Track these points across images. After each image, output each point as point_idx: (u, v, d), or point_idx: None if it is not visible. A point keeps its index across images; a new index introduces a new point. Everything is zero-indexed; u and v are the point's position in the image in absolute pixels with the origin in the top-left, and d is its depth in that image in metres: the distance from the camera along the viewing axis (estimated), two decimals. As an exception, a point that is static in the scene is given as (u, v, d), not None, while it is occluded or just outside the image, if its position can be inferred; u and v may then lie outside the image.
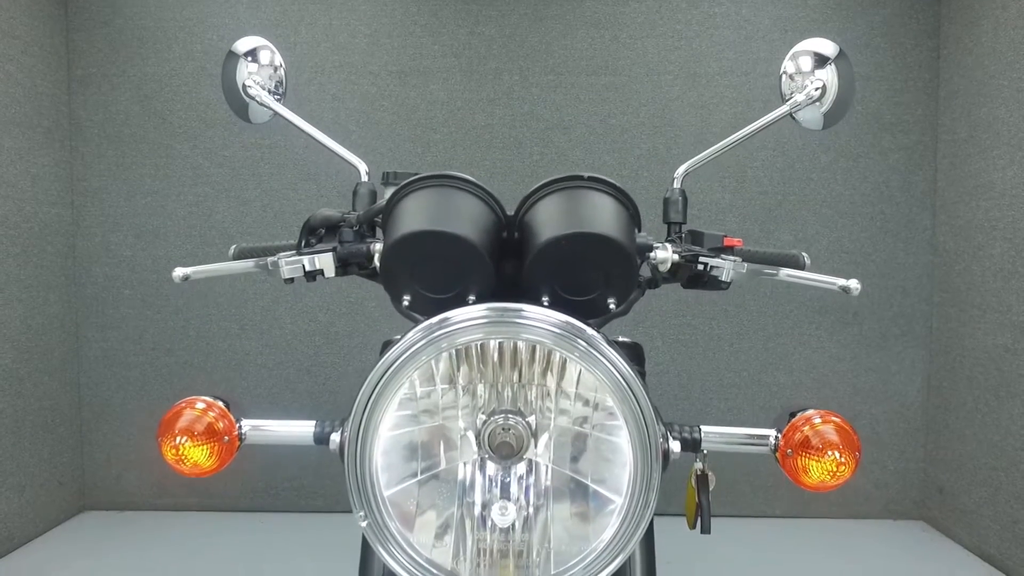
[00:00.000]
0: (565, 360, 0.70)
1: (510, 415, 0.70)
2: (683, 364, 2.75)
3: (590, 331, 0.70)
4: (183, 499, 2.79)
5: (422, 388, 0.71)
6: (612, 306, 0.81)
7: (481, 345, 0.71)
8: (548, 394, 0.71)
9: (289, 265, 0.94)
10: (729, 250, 0.97)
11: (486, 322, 0.69)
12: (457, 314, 0.70)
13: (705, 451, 0.80)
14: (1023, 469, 2.24)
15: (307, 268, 0.94)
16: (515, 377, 0.71)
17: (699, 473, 0.82)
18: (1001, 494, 2.34)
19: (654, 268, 0.97)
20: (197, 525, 2.68)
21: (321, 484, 2.80)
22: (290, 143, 2.70)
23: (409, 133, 2.71)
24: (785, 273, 0.98)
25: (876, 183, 2.69)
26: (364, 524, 0.70)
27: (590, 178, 0.87)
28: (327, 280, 0.94)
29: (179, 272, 0.98)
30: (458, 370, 0.71)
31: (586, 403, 0.71)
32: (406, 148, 2.72)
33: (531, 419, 0.71)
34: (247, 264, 1.01)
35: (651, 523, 0.83)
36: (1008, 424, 2.30)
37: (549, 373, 0.71)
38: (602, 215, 0.82)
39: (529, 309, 0.69)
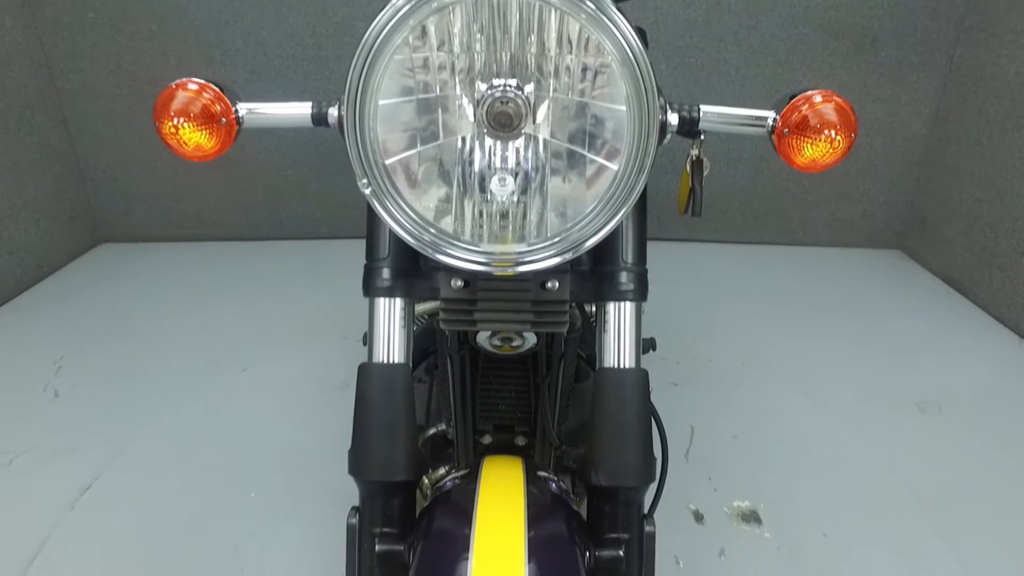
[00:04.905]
0: (565, 26, 0.67)
1: (508, 88, 0.67)
2: (686, 89, 2.66)
3: None
4: (192, 230, 2.89)
5: (416, 55, 0.68)
6: None
7: (477, 7, 0.66)
8: (547, 58, 0.68)
9: None
10: None
11: None
12: None
13: (702, 136, 0.80)
14: (1006, 201, 2.31)
15: None
16: (514, 43, 0.68)
17: (694, 159, 0.82)
18: (979, 224, 2.44)
19: None
20: (208, 253, 2.81)
21: (324, 212, 2.88)
22: None
23: None
24: None
25: None
26: (367, 191, 0.72)
27: None
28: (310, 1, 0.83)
29: None
30: (453, 32, 0.67)
31: (585, 70, 0.69)
32: None
33: (529, 89, 0.69)
34: None
35: (644, 207, 0.85)
36: (1006, 157, 2.31)
37: (547, 39, 0.67)
38: None
39: None
